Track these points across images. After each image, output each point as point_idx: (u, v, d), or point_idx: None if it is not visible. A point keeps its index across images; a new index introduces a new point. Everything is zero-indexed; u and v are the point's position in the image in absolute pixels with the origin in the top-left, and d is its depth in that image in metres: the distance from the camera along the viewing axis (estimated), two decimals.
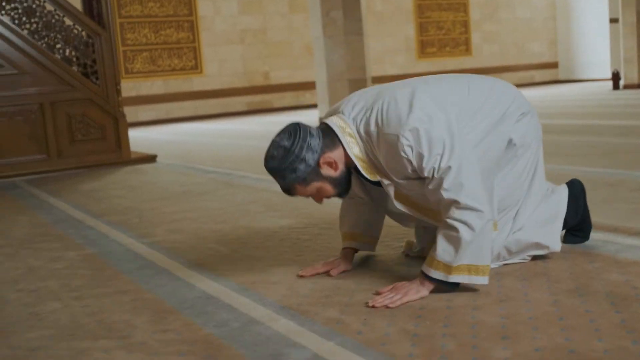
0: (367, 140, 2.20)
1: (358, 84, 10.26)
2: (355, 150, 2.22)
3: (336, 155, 2.22)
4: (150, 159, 7.01)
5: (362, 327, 1.94)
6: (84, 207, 4.43)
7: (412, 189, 2.22)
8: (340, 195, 2.33)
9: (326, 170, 2.22)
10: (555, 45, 19.15)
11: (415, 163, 2.11)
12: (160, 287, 2.52)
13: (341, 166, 2.25)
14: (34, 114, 6.46)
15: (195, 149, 8.18)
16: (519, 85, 17.07)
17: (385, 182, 2.25)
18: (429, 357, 1.69)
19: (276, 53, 15.40)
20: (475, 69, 17.03)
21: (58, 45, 6.70)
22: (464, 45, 17.83)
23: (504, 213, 2.36)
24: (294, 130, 2.18)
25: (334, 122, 2.25)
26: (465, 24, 17.84)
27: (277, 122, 11.90)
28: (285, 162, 2.15)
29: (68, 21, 6.72)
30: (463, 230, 2.06)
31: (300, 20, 15.55)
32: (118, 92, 6.82)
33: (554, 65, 19.17)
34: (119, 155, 6.86)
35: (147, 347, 1.92)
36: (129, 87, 13.30)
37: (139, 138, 9.86)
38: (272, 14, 15.34)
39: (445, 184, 2.07)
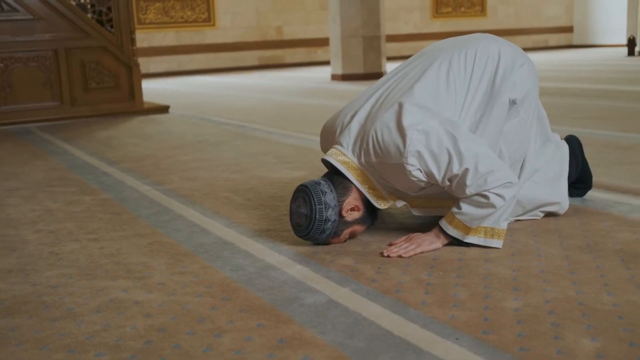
0: (372, 170, 2.22)
1: (372, 41, 10.19)
2: (364, 181, 2.24)
3: (353, 198, 2.24)
4: (163, 109, 7.02)
5: (376, 275, 1.98)
6: (99, 154, 4.47)
7: (433, 191, 2.26)
8: (371, 224, 2.36)
9: (350, 216, 2.25)
10: (571, 9, 18.89)
11: (428, 180, 2.14)
12: (176, 232, 2.56)
13: (361, 204, 2.27)
14: (48, 60, 6.47)
15: (208, 100, 8.18)
16: (532, 49, 16.94)
17: (399, 204, 2.30)
18: (441, 305, 1.74)
19: (290, 7, 15.26)
20: (488, 31, 16.81)
21: None
22: (479, 6, 17.61)
23: (514, 167, 2.37)
24: (307, 195, 2.18)
25: (336, 160, 2.25)
26: None
27: (290, 77, 11.87)
28: (311, 228, 2.18)
29: None
30: (494, 198, 2.08)
31: None
32: (132, 41, 6.80)
33: (569, 30, 18.94)
34: (132, 104, 6.87)
35: (165, 287, 1.97)
36: (140, 38, 13.20)
37: (150, 89, 9.86)
38: None
39: (468, 182, 2.08)
